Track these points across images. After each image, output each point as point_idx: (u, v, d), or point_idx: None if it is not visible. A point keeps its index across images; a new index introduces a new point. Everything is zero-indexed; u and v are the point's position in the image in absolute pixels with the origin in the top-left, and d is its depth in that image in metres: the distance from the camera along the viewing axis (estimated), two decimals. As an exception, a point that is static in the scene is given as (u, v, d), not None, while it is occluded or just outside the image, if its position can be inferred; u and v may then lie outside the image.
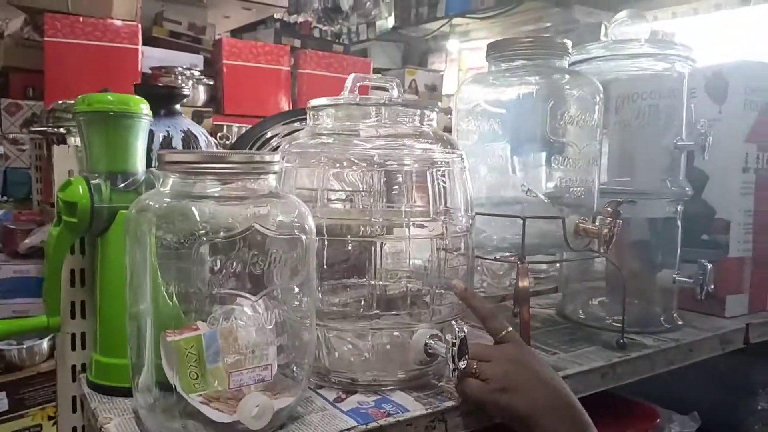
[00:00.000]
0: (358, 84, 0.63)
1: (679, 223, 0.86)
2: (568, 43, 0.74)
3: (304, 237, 0.52)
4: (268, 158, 0.50)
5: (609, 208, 0.67)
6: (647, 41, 0.82)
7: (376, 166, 0.57)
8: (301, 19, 4.19)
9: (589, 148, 0.73)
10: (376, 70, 3.82)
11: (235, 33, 3.31)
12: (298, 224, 0.51)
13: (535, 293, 1.09)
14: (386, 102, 0.61)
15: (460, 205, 0.64)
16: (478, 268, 1.15)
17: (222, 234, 0.48)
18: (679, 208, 0.85)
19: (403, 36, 4.43)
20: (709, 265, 0.81)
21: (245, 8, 2.82)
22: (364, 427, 0.52)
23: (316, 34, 4.42)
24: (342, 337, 0.63)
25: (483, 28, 3.89)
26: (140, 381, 0.52)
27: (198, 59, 2.24)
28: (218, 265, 0.49)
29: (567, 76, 0.74)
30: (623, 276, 0.77)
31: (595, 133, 0.74)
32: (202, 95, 2.11)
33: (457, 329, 0.55)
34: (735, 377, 1.12)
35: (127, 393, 0.56)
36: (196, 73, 2.10)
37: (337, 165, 0.58)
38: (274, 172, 0.51)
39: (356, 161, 0.57)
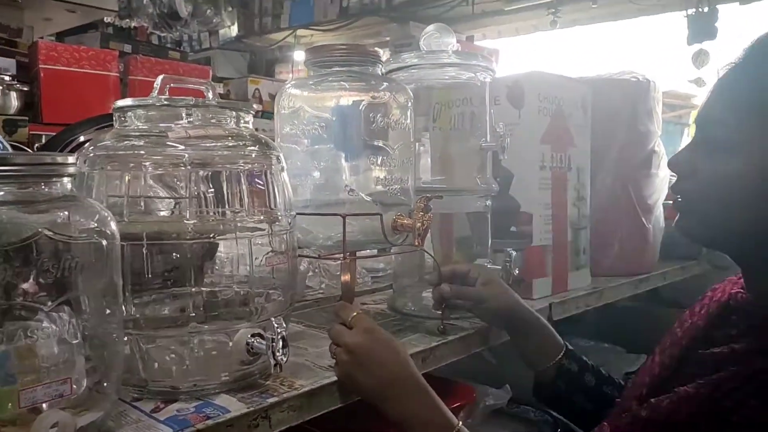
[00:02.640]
0: (168, 85, 0.62)
1: (489, 216, 0.95)
2: (380, 51, 0.79)
3: (104, 242, 0.50)
4: (60, 160, 0.48)
5: (420, 204, 0.73)
6: (454, 53, 0.91)
7: (186, 167, 0.57)
8: (134, 24, 3.94)
9: (403, 150, 0.78)
10: (220, 79, 3.73)
11: (61, 37, 3.04)
12: (97, 229, 0.49)
13: (372, 291, 1.14)
14: (197, 103, 0.61)
15: (279, 206, 0.65)
16: (316, 270, 1.18)
17: (7, 240, 0.44)
18: (488, 203, 0.94)
19: (249, 45, 4.36)
20: (514, 253, 0.90)
21: (69, 10, 2.59)
22: (180, 432, 0.51)
23: (155, 40, 4.19)
24: (162, 346, 0.61)
25: (326, 40, 3.96)
26: None
27: (10, 63, 2.02)
28: (6, 275, 0.45)
29: (382, 83, 0.79)
30: (439, 266, 0.83)
31: (408, 136, 0.80)
32: (14, 102, 1.91)
33: (276, 325, 0.56)
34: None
35: None
36: (7, 78, 1.89)
37: (143, 167, 0.57)
38: (69, 175, 0.48)
39: (164, 163, 0.56)
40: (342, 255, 0.71)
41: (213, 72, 4.11)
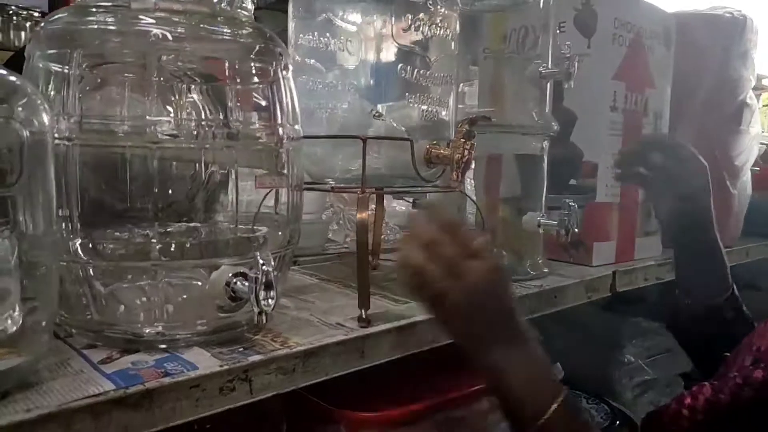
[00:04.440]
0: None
1: (545, 163, 0.79)
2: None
3: (25, 132, 0.37)
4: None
5: (462, 128, 0.58)
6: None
7: (150, 47, 0.43)
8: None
9: (444, 63, 0.63)
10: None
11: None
12: (23, 117, 0.36)
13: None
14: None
15: (280, 116, 0.51)
16: (341, 222, 1.04)
17: None
18: (545, 145, 0.78)
19: None
20: (575, 205, 0.74)
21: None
22: (123, 392, 0.38)
23: None
24: (122, 282, 0.48)
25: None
26: None
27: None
28: None
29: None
30: (483, 213, 0.68)
31: (450, 47, 0.64)
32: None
33: (261, 261, 0.43)
34: (602, 330, 1.09)
35: None
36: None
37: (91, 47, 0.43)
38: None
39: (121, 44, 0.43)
40: (360, 188, 0.57)
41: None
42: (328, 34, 0.63)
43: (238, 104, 0.50)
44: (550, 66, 0.75)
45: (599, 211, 0.86)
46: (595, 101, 0.85)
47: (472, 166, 0.80)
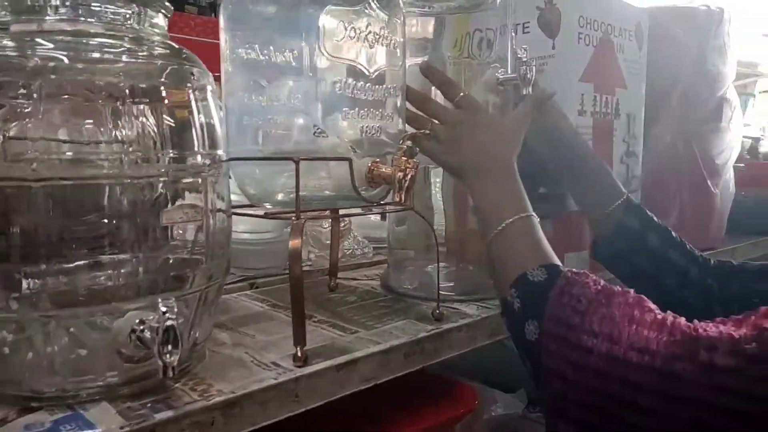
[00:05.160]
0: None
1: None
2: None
3: None
4: None
5: (403, 145, 0.53)
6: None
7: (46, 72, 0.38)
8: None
9: (388, 75, 0.58)
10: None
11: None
12: None
13: (372, 263, 0.96)
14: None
15: (194, 141, 0.46)
16: (303, 238, 1.00)
17: None
18: (508, 155, 0.73)
19: None
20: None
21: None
22: (-3, 467, 0.34)
23: None
24: (13, 332, 0.44)
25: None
26: None
27: None
28: None
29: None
30: (434, 232, 0.64)
31: (396, 57, 0.60)
32: None
33: (164, 309, 0.38)
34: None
35: None
36: None
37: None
38: None
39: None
40: (294, 212, 0.53)
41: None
42: (267, 48, 0.58)
43: (148, 130, 0.45)
44: (509, 71, 0.70)
45: (570, 220, 0.82)
46: (562, 105, 0.80)
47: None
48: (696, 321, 0.43)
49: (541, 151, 0.74)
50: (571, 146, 0.75)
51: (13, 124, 0.43)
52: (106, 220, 0.44)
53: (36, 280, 0.40)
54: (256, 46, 0.58)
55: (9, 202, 0.40)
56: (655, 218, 0.73)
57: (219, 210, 0.48)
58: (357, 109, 0.56)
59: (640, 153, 0.93)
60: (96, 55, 0.43)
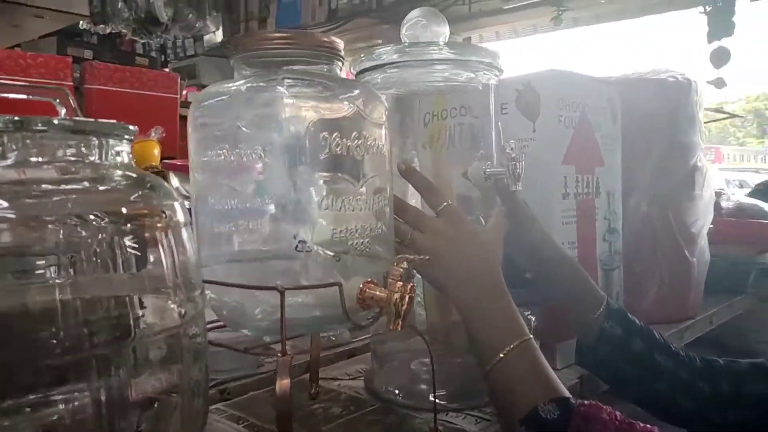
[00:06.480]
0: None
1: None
2: (339, 42, 0.54)
3: None
4: None
5: (399, 267, 0.49)
6: (447, 45, 0.66)
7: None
8: (111, 30, 3.71)
9: (375, 183, 0.54)
10: (204, 86, 3.48)
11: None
12: None
13: (351, 354, 0.89)
14: (20, 124, 0.37)
15: (166, 275, 0.41)
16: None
17: None
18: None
19: (235, 51, 4.13)
20: (533, 318, 0.66)
21: (36, 15, 2.36)
22: None
23: (140, 48, 3.97)
24: None
25: (315, 44, 3.73)
26: None
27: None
28: None
29: (341, 88, 0.54)
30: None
31: (382, 163, 0.56)
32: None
33: None
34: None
35: None
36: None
37: None
38: None
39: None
40: (280, 348, 0.47)
41: (198, 80, 3.90)
42: (237, 148, 0.53)
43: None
44: (494, 163, 0.67)
45: (561, 309, 0.79)
46: (546, 189, 0.78)
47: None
48: None
49: (516, 259, 0.72)
50: (545, 255, 0.72)
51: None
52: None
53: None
54: (227, 146, 0.53)
55: None
56: (637, 321, 0.71)
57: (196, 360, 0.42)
58: (347, 222, 0.52)
59: (621, 228, 0.92)
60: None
